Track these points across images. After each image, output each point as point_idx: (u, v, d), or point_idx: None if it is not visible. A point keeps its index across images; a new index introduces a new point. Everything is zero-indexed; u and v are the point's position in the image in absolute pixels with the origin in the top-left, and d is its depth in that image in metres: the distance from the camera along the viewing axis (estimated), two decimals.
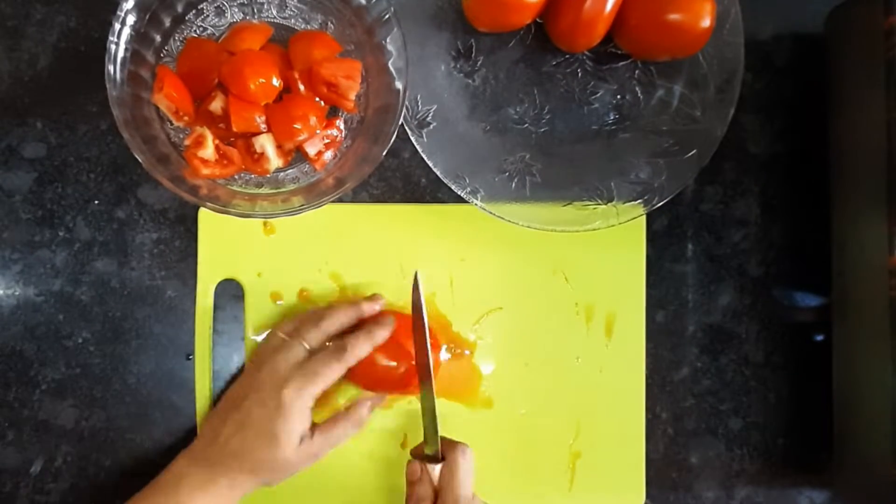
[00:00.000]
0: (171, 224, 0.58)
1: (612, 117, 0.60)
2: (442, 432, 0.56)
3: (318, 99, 0.55)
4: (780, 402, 0.62)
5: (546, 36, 0.58)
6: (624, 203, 0.57)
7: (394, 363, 0.56)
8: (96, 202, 0.58)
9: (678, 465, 0.62)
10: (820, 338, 0.62)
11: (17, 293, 0.57)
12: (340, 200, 0.58)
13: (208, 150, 0.52)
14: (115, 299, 0.58)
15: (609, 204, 0.58)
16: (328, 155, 0.55)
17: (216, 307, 0.58)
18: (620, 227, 0.57)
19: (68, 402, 0.58)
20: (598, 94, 0.60)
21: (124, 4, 0.49)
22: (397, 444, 0.59)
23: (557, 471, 0.60)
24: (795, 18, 0.62)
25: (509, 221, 0.56)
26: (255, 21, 0.56)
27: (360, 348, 0.54)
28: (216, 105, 0.53)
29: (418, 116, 0.57)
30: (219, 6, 0.55)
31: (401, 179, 0.60)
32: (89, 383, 0.58)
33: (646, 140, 0.59)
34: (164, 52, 0.54)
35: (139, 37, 0.51)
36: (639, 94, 0.60)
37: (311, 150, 0.54)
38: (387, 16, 0.52)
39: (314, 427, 0.53)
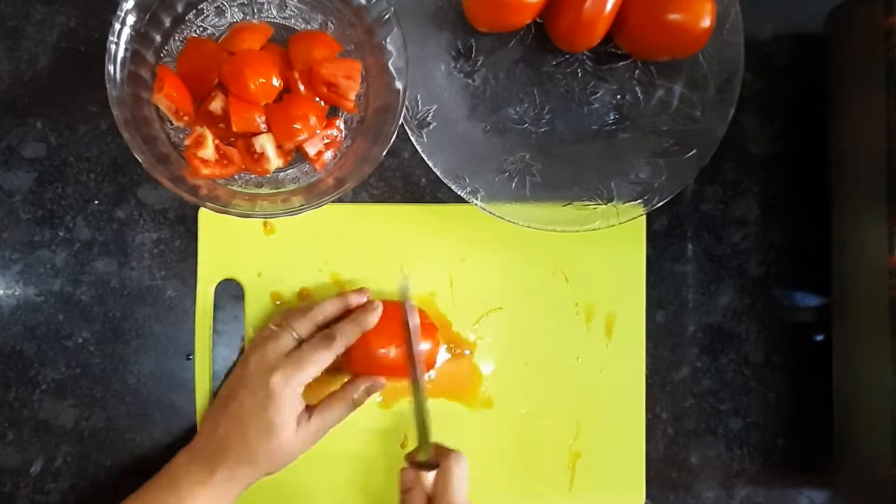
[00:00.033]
0: (171, 224, 0.58)
1: (612, 117, 0.60)
2: (442, 432, 0.56)
3: (318, 99, 0.55)
4: (780, 402, 0.62)
5: (546, 36, 0.58)
6: (624, 203, 0.57)
7: (386, 349, 0.56)
8: (96, 202, 0.58)
9: (678, 465, 0.62)
10: (820, 338, 0.62)
11: (17, 293, 0.57)
12: (340, 200, 0.58)
13: (208, 150, 0.52)
14: (115, 299, 0.58)
15: (609, 204, 0.58)
16: (328, 155, 0.55)
17: (216, 307, 0.58)
18: (620, 227, 0.57)
19: (68, 402, 0.58)
20: (598, 94, 0.60)
21: (124, 4, 0.49)
22: (397, 444, 0.59)
23: (557, 471, 0.60)
24: (795, 18, 0.62)
25: (509, 221, 0.56)
26: (255, 21, 0.56)
27: (348, 334, 0.54)
28: (216, 105, 0.53)
29: (418, 116, 0.57)
30: (219, 6, 0.55)
31: (401, 179, 0.60)
32: (89, 383, 0.58)
33: (646, 140, 0.59)
34: (164, 52, 0.54)
35: (139, 37, 0.51)
36: (639, 94, 0.60)
37: (311, 150, 0.54)
38: (387, 16, 0.52)
39: (310, 409, 0.53)
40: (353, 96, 0.54)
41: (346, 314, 0.56)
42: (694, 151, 0.58)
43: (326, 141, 0.55)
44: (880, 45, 0.52)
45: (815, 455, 0.62)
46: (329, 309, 0.56)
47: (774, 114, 0.62)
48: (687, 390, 0.62)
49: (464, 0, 0.57)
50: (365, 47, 0.55)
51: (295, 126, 0.52)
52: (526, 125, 0.60)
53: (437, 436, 0.59)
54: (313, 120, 0.53)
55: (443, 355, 0.60)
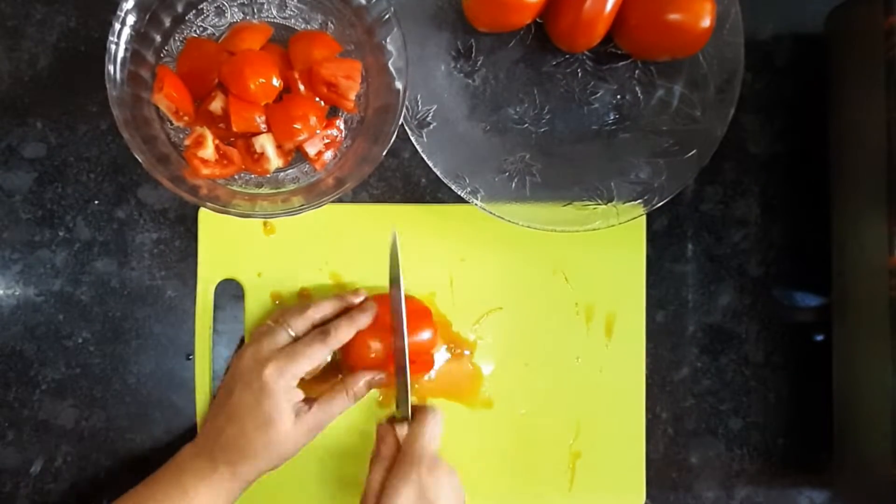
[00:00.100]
0: (171, 224, 0.58)
1: (612, 117, 0.60)
2: (442, 432, 0.56)
3: (318, 99, 0.55)
4: (780, 402, 0.62)
5: (546, 36, 0.58)
6: (624, 203, 0.57)
7: (384, 345, 0.56)
8: (96, 202, 0.58)
9: (678, 465, 0.62)
10: (820, 338, 0.62)
11: (17, 293, 0.57)
12: (340, 200, 0.58)
13: (208, 150, 0.52)
14: (115, 299, 0.58)
15: (609, 204, 0.58)
16: (328, 155, 0.55)
17: (216, 307, 0.58)
18: (620, 227, 0.57)
19: (68, 402, 0.58)
20: (598, 94, 0.60)
21: (124, 4, 0.49)
22: None
23: (557, 471, 0.60)
24: (795, 18, 0.62)
25: (509, 221, 0.56)
26: (255, 21, 0.56)
27: (343, 331, 0.54)
28: (216, 105, 0.53)
29: (418, 116, 0.57)
30: (219, 6, 0.55)
31: (401, 179, 0.60)
32: (89, 383, 0.58)
33: (646, 140, 0.59)
34: (164, 52, 0.54)
35: (139, 37, 0.51)
36: (639, 94, 0.60)
37: (311, 150, 0.54)
38: (387, 16, 0.52)
39: (311, 400, 0.53)
40: (353, 96, 0.54)
41: (343, 313, 0.56)
42: (694, 151, 0.58)
43: (326, 141, 0.55)
44: (880, 45, 0.52)
45: (815, 455, 0.62)
46: (325, 308, 0.56)
47: (774, 114, 0.62)
48: (687, 390, 0.62)
49: (464, 0, 0.57)
50: (365, 47, 0.55)
51: (295, 126, 0.52)
52: (526, 125, 0.60)
53: None
54: (313, 120, 0.53)
55: (443, 355, 0.60)
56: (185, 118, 0.53)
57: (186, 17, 0.55)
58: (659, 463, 0.62)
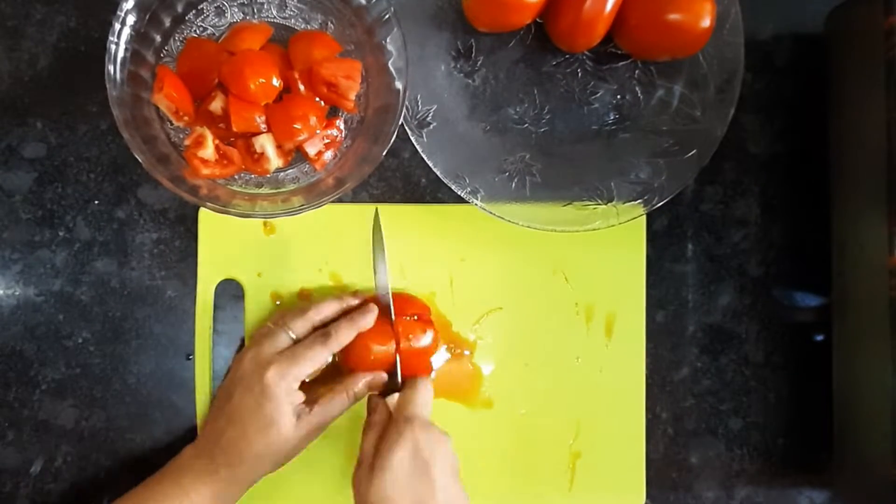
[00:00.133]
0: (171, 224, 0.58)
1: (612, 117, 0.60)
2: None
3: (318, 99, 0.55)
4: (780, 402, 0.62)
5: (546, 36, 0.58)
6: (624, 203, 0.57)
7: (385, 347, 0.56)
8: (96, 202, 0.58)
9: (678, 465, 0.62)
10: (820, 338, 0.62)
11: (17, 293, 0.57)
12: (340, 200, 0.58)
13: (208, 150, 0.52)
14: (115, 299, 0.58)
15: (609, 204, 0.58)
16: (328, 155, 0.55)
17: (216, 307, 0.58)
18: (620, 227, 0.57)
19: (68, 402, 0.58)
20: (598, 94, 0.60)
21: (124, 4, 0.49)
22: None
23: (557, 471, 0.60)
24: (795, 18, 0.62)
25: (509, 221, 0.56)
26: (255, 21, 0.56)
27: (344, 333, 0.54)
28: (216, 105, 0.53)
29: (418, 116, 0.57)
30: (219, 6, 0.55)
31: (401, 179, 0.60)
32: (89, 383, 0.58)
33: (646, 140, 0.59)
34: (164, 52, 0.54)
35: (139, 37, 0.51)
36: (639, 94, 0.60)
37: (311, 150, 0.54)
38: (387, 16, 0.52)
39: (311, 402, 0.53)
40: (353, 96, 0.54)
41: (343, 315, 0.56)
42: (694, 151, 0.58)
43: (326, 141, 0.55)
44: (880, 45, 0.52)
45: (815, 455, 0.62)
46: (326, 310, 0.56)
47: (774, 114, 0.62)
48: (687, 390, 0.62)
49: (464, 0, 0.57)
50: (365, 47, 0.55)
51: (295, 126, 0.52)
52: (526, 125, 0.60)
53: None
54: (313, 120, 0.53)
55: (443, 355, 0.60)
56: (185, 118, 0.53)
57: (186, 17, 0.55)
58: (659, 463, 0.62)
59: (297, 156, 0.56)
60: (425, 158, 0.56)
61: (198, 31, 0.55)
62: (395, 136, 0.51)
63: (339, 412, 0.54)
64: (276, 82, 0.52)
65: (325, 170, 0.55)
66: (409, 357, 0.57)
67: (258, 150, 0.53)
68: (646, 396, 0.61)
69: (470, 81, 0.59)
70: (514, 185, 0.58)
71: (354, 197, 0.60)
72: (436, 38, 0.59)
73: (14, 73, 0.57)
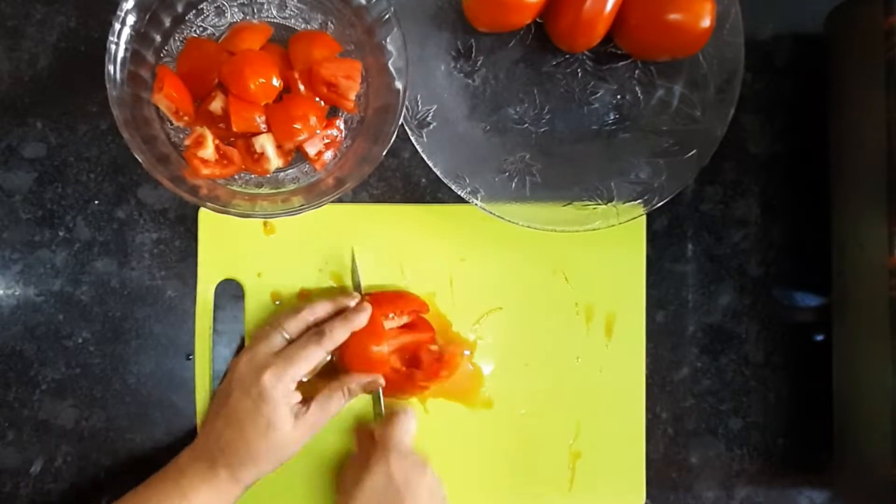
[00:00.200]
0: (171, 224, 0.58)
1: (612, 117, 0.60)
2: (442, 432, 0.57)
3: (318, 99, 0.55)
4: (780, 402, 0.62)
5: (546, 36, 0.58)
6: (624, 203, 0.57)
7: (380, 347, 0.56)
8: (96, 202, 0.58)
9: (678, 465, 0.62)
10: (820, 338, 0.62)
11: (17, 293, 0.57)
12: (340, 200, 0.58)
13: (208, 150, 0.52)
14: (115, 299, 0.58)
15: (609, 204, 0.58)
16: (328, 155, 0.55)
17: (216, 307, 0.58)
18: (620, 227, 0.57)
19: (68, 402, 0.58)
20: (598, 94, 0.60)
21: (124, 4, 0.49)
22: None
23: (557, 471, 0.60)
24: (795, 18, 0.62)
25: (509, 221, 0.56)
26: (255, 21, 0.56)
27: (338, 332, 0.54)
28: (216, 105, 0.53)
29: (418, 116, 0.57)
30: (219, 6, 0.55)
31: (401, 179, 0.60)
32: (89, 383, 0.58)
33: (646, 140, 0.59)
34: (164, 52, 0.54)
35: (139, 37, 0.51)
36: (639, 94, 0.60)
37: (311, 150, 0.54)
38: (387, 16, 0.52)
39: (308, 400, 0.53)
40: (353, 96, 0.54)
41: (338, 315, 0.56)
42: (694, 151, 0.58)
43: (326, 141, 0.55)
44: (880, 45, 0.52)
45: (815, 455, 0.62)
46: (320, 310, 0.56)
47: (774, 114, 0.62)
48: (687, 390, 0.62)
49: (464, 0, 0.57)
50: (365, 47, 0.55)
51: (295, 126, 0.52)
52: (526, 125, 0.60)
53: (438, 435, 0.59)
54: (313, 120, 0.53)
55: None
56: (185, 118, 0.53)
57: (186, 17, 0.55)
58: (659, 463, 0.62)
59: (297, 156, 0.56)
60: (425, 158, 0.56)
61: (198, 31, 0.55)
62: (395, 136, 0.51)
63: (336, 410, 0.55)
64: (276, 82, 0.52)
65: (325, 170, 0.55)
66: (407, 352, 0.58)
67: (258, 150, 0.53)
68: (646, 396, 0.61)
69: (470, 81, 0.59)
70: (514, 185, 0.58)
71: (354, 197, 0.60)
72: (436, 38, 0.59)
73: (14, 73, 0.57)
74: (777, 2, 0.62)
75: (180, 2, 0.53)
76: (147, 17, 0.51)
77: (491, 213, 0.56)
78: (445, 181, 0.56)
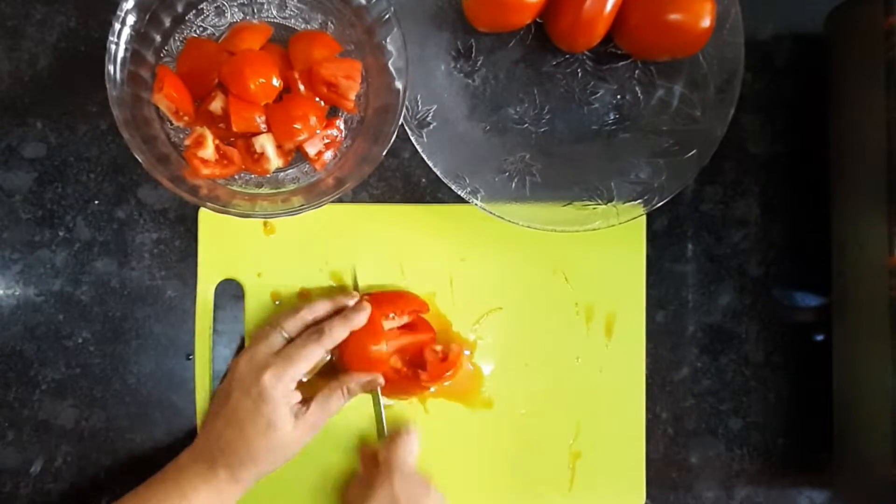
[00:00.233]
0: (171, 224, 0.58)
1: (612, 117, 0.60)
2: (442, 432, 0.57)
3: (318, 99, 0.55)
4: (780, 402, 0.62)
5: (546, 36, 0.58)
6: (624, 203, 0.57)
7: (379, 346, 0.56)
8: (96, 202, 0.58)
9: (678, 465, 0.62)
10: (820, 338, 0.62)
11: (17, 293, 0.57)
12: (340, 200, 0.58)
13: (208, 150, 0.52)
14: (115, 299, 0.58)
15: (609, 204, 0.58)
16: (328, 155, 0.55)
17: (216, 307, 0.58)
18: (620, 227, 0.57)
19: (68, 402, 0.58)
20: (598, 94, 0.60)
21: (124, 4, 0.49)
22: None
23: (557, 471, 0.60)
24: (795, 18, 0.62)
25: (509, 221, 0.56)
26: (255, 21, 0.56)
27: (338, 330, 0.54)
28: (216, 105, 0.53)
29: (418, 116, 0.57)
30: (219, 6, 0.55)
31: (401, 179, 0.60)
32: (89, 383, 0.58)
33: (646, 140, 0.59)
34: (164, 52, 0.54)
35: (139, 37, 0.51)
36: (639, 94, 0.60)
37: (311, 150, 0.54)
38: (387, 16, 0.52)
39: (308, 400, 0.54)
40: (353, 96, 0.54)
41: (337, 313, 0.56)
42: (694, 151, 0.58)
43: (326, 141, 0.55)
44: (880, 45, 0.52)
45: (815, 455, 0.62)
46: (319, 309, 0.56)
47: (774, 114, 0.62)
48: (687, 390, 0.62)
49: (464, 0, 0.57)
50: (365, 47, 0.55)
51: (295, 126, 0.52)
52: (526, 125, 0.60)
53: (438, 435, 0.59)
54: (313, 120, 0.53)
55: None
56: (185, 118, 0.53)
57: (186, 17, 0.55)
58: (659, 463, 0.62)
59: (297, 156, 0.56)
60: (425, 158, 0.56)
61: (198, 31, 0.55)
62: (395, 136, 0.51)
63: (336, 409, 0.55)
64: (276, 82, 0.52)
65: (325, 170, 0.55)
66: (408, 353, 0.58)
67: (258, 150, 0.53)
68: (646, 396, 0.61)
69: (470, 81, 0.59)
70: (514, 185, 0.58)
71: (354, 197, 0.60)
72: (436, 38, 0.59)
73: (14, 73, 0.57)
74: (777, 2, 0.62)
75: (180, 2, 0.53)
76: (147, 17, 0.51)
77: (491, 213, 0.56)
78: (445, 181, 0.56)
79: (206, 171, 0.52)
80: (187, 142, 0.52)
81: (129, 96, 0.50)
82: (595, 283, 0.61)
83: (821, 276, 0.61)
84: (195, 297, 0.58)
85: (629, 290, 0.61)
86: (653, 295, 0.61)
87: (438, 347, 0.58)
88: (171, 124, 0.54)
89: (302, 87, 0.54)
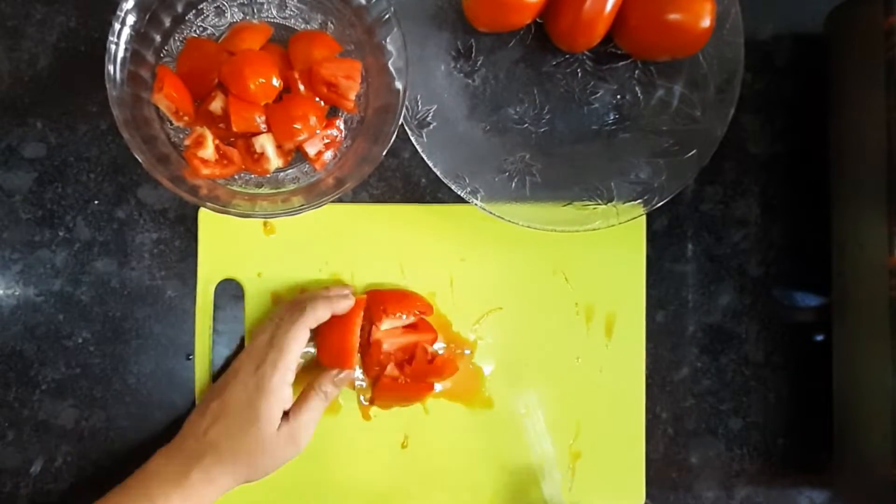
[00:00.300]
0: (171, 224, 0.58)
1: (612, 117, 0.60)
2: (442, 432, 0.57)
3: (318, 99, 0.55)
4: (780, 402, 0.62)
5: (546, 36, 0.58)
6: (624, 203, 0.57)
7: (353, 339, 0.56)
8: (96, 202, 0.58)
9: (678, 465, 0.62)
10: (820, 338, 0.62)
11: (17, 293, 0.57)
12: (340, 200, 0.58)
13: (208, 150, 0.52)
14: (115, 299, 0.58)
15: (609, 204, 0.58)
16: (328, 155, 0.55)
17: (216, 307, 0.58)
18: (620, 227, 0.57)
19: (68, 402, 0.58)
20: (598, 94, 0.60)
21: (124, 4, 0.49)
22: (397, 444, 0.59)
23: (557, 471, 0.60)
24: (795, 18, 0.62)
25: (509, 221, 0.56)
26: (255, 21, 0.56)
27: (320, 309, 0.54)
28: (216, 105, 0.53)
29: (418, 116, 0.57)
30: (219, 6, 0.55)
31: (401, 179, 0.60)
32: (89, 383, 0.58)
33: (646, 140, 0.59)
34: (164, 52, 0.54)
35: (139, 37, 0.51)
36: (639, 94, 0.60)
37: (311, 150, 0.54)
38: (387, 16, 0.52)
39: (286, 412, 0.53)
40: (353, 96, 0.54)
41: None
42: (694, 151, 0.58)
43: (326, 141, 0.55)
44: (880, 45, 0.52)
45: (815, 455, 0.62)
46: (320, 311, 0.55)
47: (774, 114, 0.62)
48: (687, 390, 0.62)
49: (464, 0, 0.57)
50: (365, 47, 0.55)
51: (295, 126, 0.52)
52: (526, 125, 0.60)
53: (439, 435, 0.59)
54: (313, 120, 0.53)
55: (438, 344, 0.60)
56: (185, 118, 0.53)
57: (186, 17, 0.55)
58: (659, 463, 0.62)
59: (297, 156, 0.56)
60: (425, 158, 0.56)
61: (198, 31, 0.55)
62: (395, 136, 0.51)
63: (317, 413, 0.54)
64: (276, 82, 0.52)
65: (325, 170, 0.55)
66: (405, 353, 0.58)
67: (258, 150, 0.53)
68: (646, 396, 0.61)
69: (470, 81, 0.59)
70: (514, 185, 0.58)
71: (354, 197, 0.60)
72: (436, 38, 0.59)
73: (14, 73, 0.57)
74: (777, 2, 0.62)
75: (180, 2, 0.53)
76: (147, 17, 0.51)
77: (491, 213, 0.56)
78: (445, 181, 0.56)
79: (206, 171, 0.52)
80: (187, 142, 0.52)
81: (129, 96, 0.50)
82: (595, 283, 0.61)
83: (821, 276, 0.61)
84: (195, 297, 0.58)
85: (629, 290, 0.61)
86: (653, 295, 0.61)
87: (441, 347, 0.58)
88: (171, 124, 0.54)
89: (302, 87, 0.54)
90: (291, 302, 0.56)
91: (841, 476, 0.59)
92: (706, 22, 0.54)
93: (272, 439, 0.52)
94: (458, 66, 0.59)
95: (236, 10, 0.55)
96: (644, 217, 0.60)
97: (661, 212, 0.60)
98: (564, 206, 0.58)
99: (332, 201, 0.52)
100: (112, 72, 0.49)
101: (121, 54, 0.50)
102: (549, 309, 0.61)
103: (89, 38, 0.57)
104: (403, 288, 0.59)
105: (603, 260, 0.61)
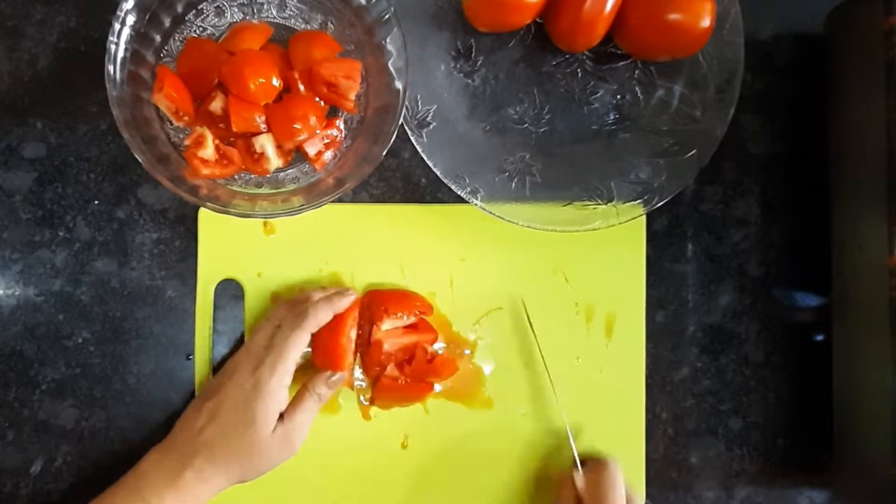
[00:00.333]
0: (171, 224, 0.58)
1: (612, 117, 0.60)
2: (442, 432, 0.56)
3: (318, 99, 0.55)
4: (780, 402, 0.62)
5: (546, 36, 0.58)
6: (624, 203, 0.57)
7: (344, 340, 0.56)
8: (96, 202, 0.58)
9: (678, 465, 0.62)
10: (820, 338, 0.62)
11: (17, 293, 0.57)
12: (340, 200, 0.58)
13: (208, 150, 0.52)
14: (115, 299, 0.58)
15: (609, 204, 0.58)
16: (328, 155, 0.55)
17: (216, 307, 0.58)
18: (620, 227, 0.57)
19: (68, 402, 0.58)
20: (598, 94, 0.60)
21: (124, 4, 0.49)
22: (397, 444, 0.59)
23: (557, 471, 0.60)
24: (795, 18, 0.62)
25: (509, 221, 0.56)
26: (255, 21, 0.56)
27: (322, 312, 0.54)
28: (216, 105, 0.53)
29: (418, 116, 0.57)
30: (219, 6, 0.55)
31: (401, 179, 0.60)
32: (89, 383, 0.58)
33: (646, 140, 0.59)
34: (164, 52, 0.54)
35: (139, 37, 0.51)
36: (639, 94, 0.60)
37: (311, 150, 0.54)
38: (387, 16, 0.52)
39: (280, 415, 0.53)
40: (353, 96, 0.54)
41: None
42: (694, 151, 0.58)
43: (326, 141, 0.55)
44: (880, 45, 0.52)
45: (815, 455, 0.62)
46: (315, 298, 0.56)
47: (774, 114, 0.62)
48: (687, 390, 0.62)
49: (464, 0, 0.57)
50: (365, 47, 0.55)
51: (295, 126, 0.52)
52: (526, 125, 0.60)
53: (439, 435, 0.59)
54: (313, 120, 0.53)
55: (438, 344, 0.60)
56: (185, 118, 0.53)
57: (186, 17, 0.55)
58: (659, 463, 0.62)
59: (297, 156, 0.56)
60: (425, 158, 0.56)
61: (198, 31, 0.55)
62: (395, 136, 0.51)
63: (311, 414, 0.54)
64: (276, 82, 0.52)
65: (325, 170, 0.56)
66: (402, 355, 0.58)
67: (258, 150, 0.53)
68: (646, 396, 0.61)
69: (470, 81, 0.59)
70: (514, 185, 0.58)
71: (354, 197, 0.60)
72: (436, 38, 0.59)
73: (14, 73, 0.57)
74: (777, 2, 0.62)
75: (180, 2, 0.53)
76: (147, 17, 0.51)
77: (491, 213, 0.56)
78: (445, 181, 0.56)
79: (206, 171, 0.52)
80: (187, 142, 0.52)
81: (129, 96, 0.50)
82: (595, 283, 0.61)
83: (821, 276, 0.61)
84: (195, 297, 0.58)
85: (629, 290, 0.61)
86: (653, 295, 0.61)
87: (441, 347, 0.58)
88: (171, 124, 0.54)
89: (302, 87, 0.54)
90: (290, 301, 0.56)
91: (841, 476, 0.59)
92: (706, 22, 0.54)
93: (267, 441, 0.51)
94: (458, 66, 0.59)
95: (236, 10, 0.55)
96: (644, 217, 0.60)
97: (661, 212, 0.60)
98: (564, 206, 0.58)
99: (332, 201, 0.52)
100: (112, 72, 0.49)
101: (121, 54, 0.50)
102: (549, 309, 0.61)
103: (89, 38, 0.57)
104: (403, 288, 0.59)
105: (603, 260, 0.61)
